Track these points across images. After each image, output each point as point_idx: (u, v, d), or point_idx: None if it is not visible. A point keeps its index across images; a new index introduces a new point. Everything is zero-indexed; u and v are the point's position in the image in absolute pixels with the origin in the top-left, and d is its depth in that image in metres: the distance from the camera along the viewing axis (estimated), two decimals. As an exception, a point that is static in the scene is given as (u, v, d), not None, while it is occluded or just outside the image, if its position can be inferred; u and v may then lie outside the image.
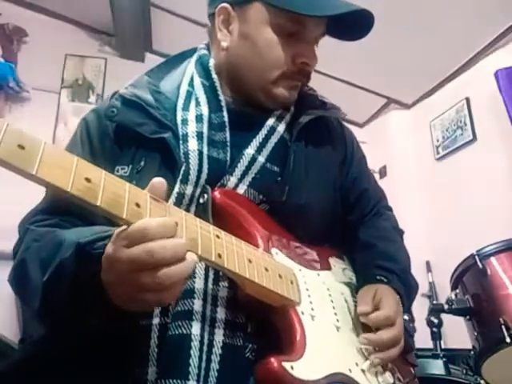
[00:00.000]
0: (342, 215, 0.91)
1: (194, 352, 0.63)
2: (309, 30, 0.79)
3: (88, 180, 0.48)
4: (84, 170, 0.49)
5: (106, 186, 0.49)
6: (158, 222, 0.50)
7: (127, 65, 2.91)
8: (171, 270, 0.50)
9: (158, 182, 0.55)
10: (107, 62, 2.91)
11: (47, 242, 0.65)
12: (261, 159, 0.78)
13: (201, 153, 0.74)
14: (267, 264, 0.66)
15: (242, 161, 0.76)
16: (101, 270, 0.54)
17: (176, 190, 0.71)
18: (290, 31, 0.78)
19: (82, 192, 0.47)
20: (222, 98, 0.81)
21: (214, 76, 0.83)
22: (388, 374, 0.74)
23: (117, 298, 0.54)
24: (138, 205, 0.51)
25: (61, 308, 0.59)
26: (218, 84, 0.82)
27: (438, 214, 2.80)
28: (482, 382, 1.42)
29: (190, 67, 0.87)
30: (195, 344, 0.63)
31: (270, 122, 0.83)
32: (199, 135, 0.76)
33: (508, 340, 1.27)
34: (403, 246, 0.95)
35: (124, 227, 0.51)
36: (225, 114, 0.80)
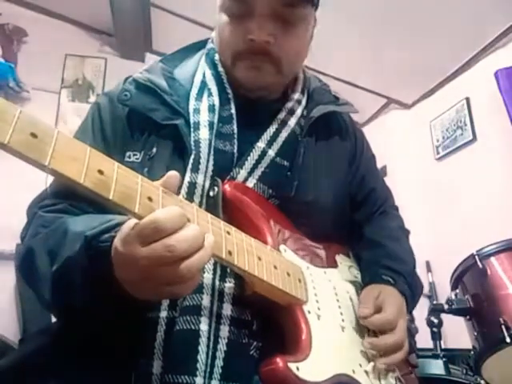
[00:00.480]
0: (349, 213, 0.91)
1: (202, 348, 0.62)
2: (254, 5, 0.74)
3: (101, 172, 0.47)
4: (97, 161, 0.47)
5: (118, 179, 0.48)
6: (165, 214, 0.48)
7: (127, 65, 2.90)
8: (191, 261, 0.49)
9: (173, 175, 0.54)
10: (107, 61, 2.91)
11: (54, 229, 0.64)
12: (271, 153, 0.77)
13: (210, 143, 0.74)
14: (276, 262, 0.65)
15: (252, 154, 0.76)
16: (110, 263, 0.53)
17: (187, 179, 0.70)
18: (238, 11, 0.76)
19: (95, 185, 0.46)
20: (229, 90, 0.81)
21: (221, 69, 0.82)
22: (390, 376, 0.74)
23: (135, 292, 0.54)
24: (150, 199, 0.50)
25: (71, 299, 0.59)
26: (224, 77, 0.82)
27: (438, 213, 2.80)
28: (482, 382, 1.42)
29: (203, 58, 0.87)
30: (203, 340, 0.62)
31: (281, 115, 0.82)
32: (211, 125, 0.75)
33: (508, 340, 1.26)
34: (409, 246, 0.95)
35: (133, 222, 0.50)
36: (232, 106, 0.79)
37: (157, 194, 0.51)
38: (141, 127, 0.77)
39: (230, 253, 0.57)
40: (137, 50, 2.91)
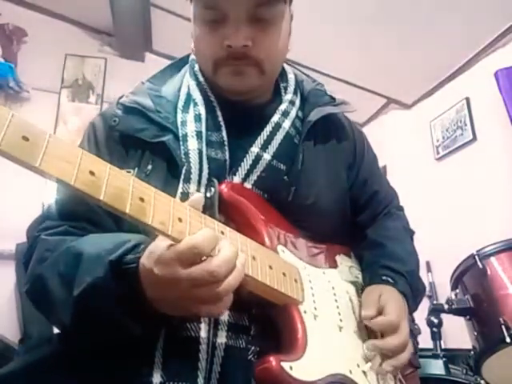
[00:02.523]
0: (351, 216, 0.90)
1: (203, 355, 0.62)
2: (227, 10, 0.73)
3: (92, 173, 0.47)
4: (89, 162, 0.48)
5: (109, 180, 0.49)
6: (203, 237, 0.52)
7: (127, 65, 2.91)
8: (227, 281, 0.53)
9: (199, 197, 0.59)
10: (107, 61, 2.92)
11: (63, 253, 0.64)
12: (266, 156, 0.77)
13: (200, 152, 0.74)
14: (272, 262, 0.65)
15: (245, 160, 0.76)
16: (137, 283, 0.55)
17: (179, 190, 0.71)
18: (211, 18, 0.75)
19: (86, 185, 0.46)
20: (213, 98, 0.81)
21: (201, 79, 0.83)
22: (389, 376, 0.73)
23: (168, 310, 0.56)
24: (141, 199, 0.51)
25: (98, 321, 0.59)
26: (206, 86, 0.82)
27: (438, 214, 2.80)
28: (482, 382, 1.42)
29: (187, 71, 0.87)
30: (203, 347, 0.63)
31: (275, 118, 0.81)
32: (198, 135, 0.76)
33: (508, 340, 1.27)
34: (413, 246, 0.94)
35: (165, 244, 0.52)
36: (219, 114, 0.79)
37: (149, 195, 0.52)
38: (134, 148, 0.77)
39: None
40: (137, 50, 2.92)
